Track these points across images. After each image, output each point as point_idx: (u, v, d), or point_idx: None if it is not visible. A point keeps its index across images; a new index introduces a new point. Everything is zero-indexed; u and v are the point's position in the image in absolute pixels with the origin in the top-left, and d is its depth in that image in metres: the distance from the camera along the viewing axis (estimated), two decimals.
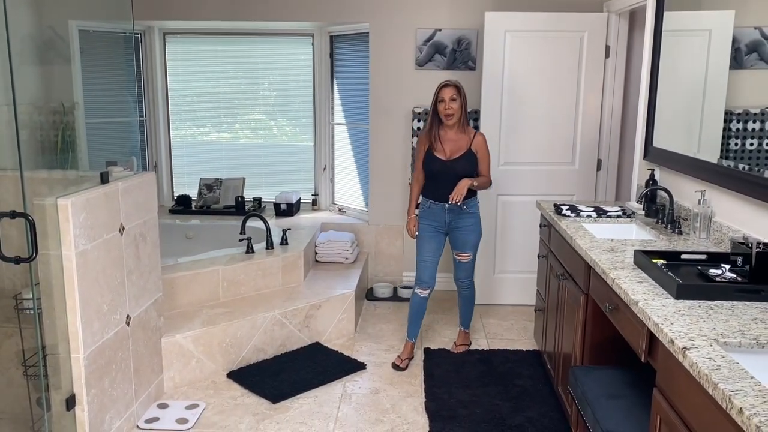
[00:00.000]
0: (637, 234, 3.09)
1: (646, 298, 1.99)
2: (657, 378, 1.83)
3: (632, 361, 2.49)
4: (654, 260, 2.30)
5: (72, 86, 4.79)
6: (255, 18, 4.80)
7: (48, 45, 4.79)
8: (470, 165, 3.49)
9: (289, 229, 4.35)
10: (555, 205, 3.36)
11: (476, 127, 4.59)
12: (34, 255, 2.17)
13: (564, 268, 3.02)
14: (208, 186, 5.29)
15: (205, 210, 5.16)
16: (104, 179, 2.72)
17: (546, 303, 3.44)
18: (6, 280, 2.70)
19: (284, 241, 4.21)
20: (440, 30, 4.62)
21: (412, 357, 3.70)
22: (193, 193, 5.33)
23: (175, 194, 5.40)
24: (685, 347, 1.61)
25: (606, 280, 2.30)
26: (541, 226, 3.62)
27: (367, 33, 4.72)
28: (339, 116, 5.20)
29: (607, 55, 4.34)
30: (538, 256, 3.66)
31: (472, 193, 3.55)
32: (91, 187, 2.59)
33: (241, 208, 5.12)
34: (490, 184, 3.63)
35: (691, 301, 1.95)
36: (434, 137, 3.51)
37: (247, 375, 3.46)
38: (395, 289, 4.78)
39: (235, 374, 3.47)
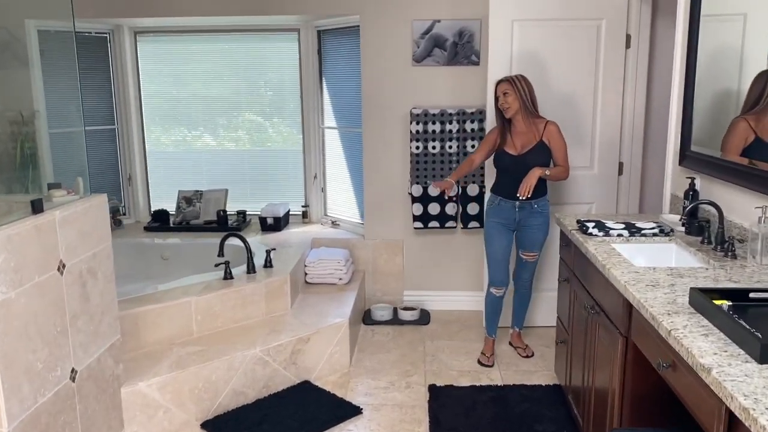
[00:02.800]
0: (681, 258, 2.60)
1: (720, 363, 1.51)
2: None
3: (685, 416, 2.01)
4: (716, 301, 1.82)
5: (31, 93, 4.32)
6: (235, 13, 4.31)
7: (2, 47, 4.31)
8: (542, 157, 3.39)
9: (274, 249, 3.86)
10: (579, 222, 2.87)
11: (482, 130, 4.11)
12: None
13: (594, 300, 2.54)
14: (187, 199, 4.81)
15: (185, 226, 4.68)
16: (36, 208, 2.24)
17: (570, 335, 2.95)
18: None
19: (268, 263, 3.73)
20: (439, 21, 4.13)
21: (494, 353, 3.70)
22: (172, 208, 4.85)
23: (153, 209, 4.92)
24: None
25: (657, 329, 1.82)
26: (561, 245, 3.14)
27: (358, 26, 4.23)
28: (330, 119, 4.72)
29: (627, 45, 3.85)
30: (559, 280, 3.18)
31: (542, 190, 3.46)
32: (15, 219, 2.11)
33: (223, 223, 4.65)
34: (567, 174, 3.45)
35: None
36: (504, 132, 3.45)
37: (224, 425, 2.98)
38: (395, 311, 4.30)
39: (210, 424, 3.00)
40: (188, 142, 4.94)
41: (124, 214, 4.91)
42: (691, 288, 1.90)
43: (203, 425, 2.99)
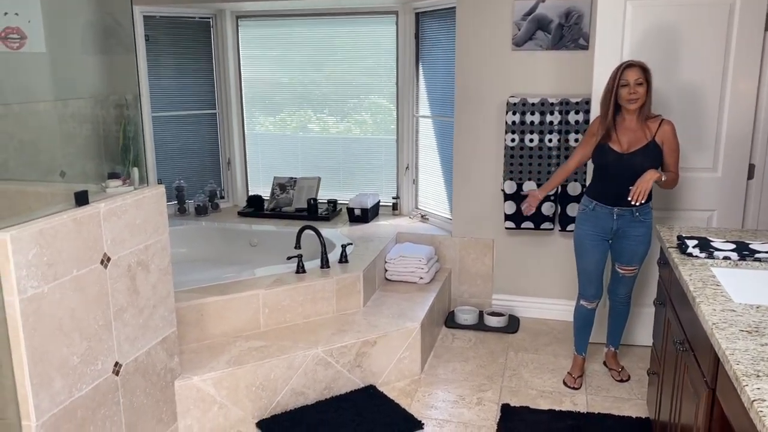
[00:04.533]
0: None
1: None
2: None
3: None
4: None
5: (136, 77, 4.45)
6: None
7: (108, 33, 4.47)
8: (651, 160, 2.94)
9: (351, 243, 3.71)
10: (679, 238, 2.44)
11: (586, 122, 3.68)
12: None
13: (684, 334, 2.13)
14: (282, 186, 4.78)
15: (277, 213, 4.66)
16: (81, 200, 2.22)
17: (662, 367, 2.54)
18: None
19: (344, 258, 3.59)
20: (543, 1, 3.73)
21: (583, 373, 3.34)
22: (267, 193, 4.85)
23: (250, 193, 4.95)
24: None
25: (740, 393, 1.43)
26: (659, 262, 2.71)
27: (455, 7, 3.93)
28: (424, 107, 4.47)
29: (767, 28, 3.26)
30: (655, 302, 2.75)
31: (648, 196, 2.99)
32: (53, 213, 2.10)
33: (313, 212, 4.57)
34: (677, 182, 3.04)
35: None
36: (610, 125, 2.99)
37: (280, 425, 2.89)
38: (481, 315, 4.00)
39: (266, 423, 2.92)
40: (285, 128, 4.91)
41: (223, 198, 4.98)
42: None
43: (259, 424, 2.92)
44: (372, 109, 4.69)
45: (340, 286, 3.42)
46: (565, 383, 3.27)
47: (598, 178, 3.11)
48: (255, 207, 4.74)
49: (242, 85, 4.86)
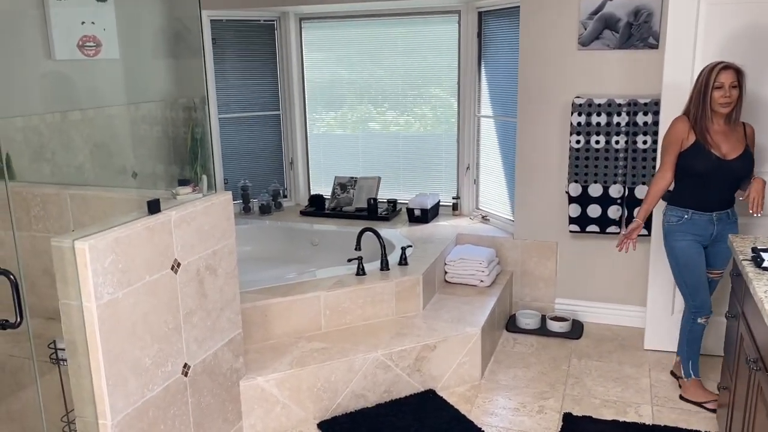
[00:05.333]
0: None
1: None
2: None
3: None
4: None
5: (204, 80, 4.57)
6: None
7: (177, 38, 4.61)
8: (750, 165, 2.92)
9: (411, 245, 3.72)
10: (754, 250, 2.34)
11: (655, 123, 3.57)
12: (19, 321, 1.79)
13: (759, 353, 2.05)
14: (342, 185, 4.83)
15: (337, 212, 4.72)
16: (153, 209, 2.31)
17: (733, 383, 2.45)
18: (38, 326, 2.42)
19: (403, 261, 3.60)
20: None
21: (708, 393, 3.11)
22: (329, 193, 4.91)
23: (312, 193, 5.03)
24: None
25: None
26: (732, 273, 2.60)
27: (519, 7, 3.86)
28: (486, 107, 4.42)
29: None
30: (726, 315, 2.65)
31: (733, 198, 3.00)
32: (128, 221, 2.19)
33: (373, 212, 4.60)
34: None
35: None
36: (703, 129, 2.88)
37: (340, 427, 2.94)
38: (543, 320, 3.95)
39: (327, 425, 2.97)
40: (346, 127, 4.95)
41: (285, 197, 5.07)
42: None
43: (320, 425, 2.97)
44: (432, 105, 4.68)
45: (399, 288, 3.43)
46: (705, 407, 3.04)
47: (695, 185, 2.93)
48: (316, 206, 4.81)
49: (305, 85, 4.93)
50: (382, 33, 4.66)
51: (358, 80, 4.81)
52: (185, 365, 2.46)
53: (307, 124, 5.00)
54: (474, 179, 4.58)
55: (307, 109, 4.98)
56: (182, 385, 2.45)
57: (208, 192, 2.64)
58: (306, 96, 4.95)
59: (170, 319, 2.35)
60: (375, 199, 4.63)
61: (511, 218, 4.22)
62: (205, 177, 2.65)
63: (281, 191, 5.00)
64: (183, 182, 2.68)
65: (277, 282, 3.43)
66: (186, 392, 2.47)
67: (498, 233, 4.22)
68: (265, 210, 4.80)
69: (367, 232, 3.63)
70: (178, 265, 2.38)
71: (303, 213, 4.78)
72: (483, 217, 4.49)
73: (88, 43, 3.82)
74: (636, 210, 3.68)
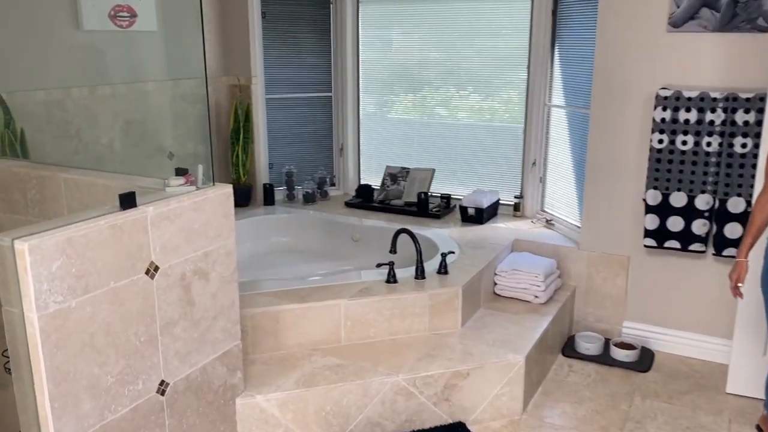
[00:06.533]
0: None
1: None
2: None
3: None
4: None
5: (250, 58, 4.26)
6: None
7: (223, 10, 4.31)
8: None
9: (452, 252, 3.26)
10: None
11: (758, 123, 2.94)
12: None
13: None
14: (393, 176, 4.42)
15: (385, 206, 4.31)
16: (126, 203, 1.98)
17: None
18: None
19: (443, 269, 3.16)
20: None
21: None
22: (378, 183, 4.50)
23: (362, 182, 4.65)
24: None
25: None
26: None
27: None
28: (558, 96, 3.87)
29: None
30: None
31: None
32: (89, 218, 1.87)
33: (423, 208, 4.15)
34: None
35: None
36: None
37: None
38: (606, 345, 3.40)
39: None
40: (402, 114, 4.52)
41: (333, 185, 4.71)
42: None
43: None
44: (498, 95, 4.17)
45: (434, 301, 3.00)
46: None
47: None
48: (363, 198, 4.42)
49: (360, 66, 4.53)
50: (446, 10, 4.18)
51: (418, 58, 4.35)
52: (162, 382, 2.14)
53: (360, 108, 4.60)
54: (540, 177, 4.04)
55: (360, 92, 4.58)
56: (157, 405, 2.13)
57: (204, 184, 2.30)
58: (360, 78, 4.55)
59: (143, 331, 2.04)
60: (426, 194, 4.18)
61: (578, 224, 3.67)
62: (200, 167, 2.30)
63: (328, 179, 4.64)
64: (181, 171, 2.35)
65: (300, 283, 3.08)
66: (162, 413, 2.16)
67: (561, 241, 3.68)
68: (309, 198, 4.46)
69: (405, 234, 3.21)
70: (156, 269, 2.06)
71: (348, 204, 4.40)
72: (547, 221, 3.95)
73: (121, 13, 3.58)
74: (728, 225, 3.08)
